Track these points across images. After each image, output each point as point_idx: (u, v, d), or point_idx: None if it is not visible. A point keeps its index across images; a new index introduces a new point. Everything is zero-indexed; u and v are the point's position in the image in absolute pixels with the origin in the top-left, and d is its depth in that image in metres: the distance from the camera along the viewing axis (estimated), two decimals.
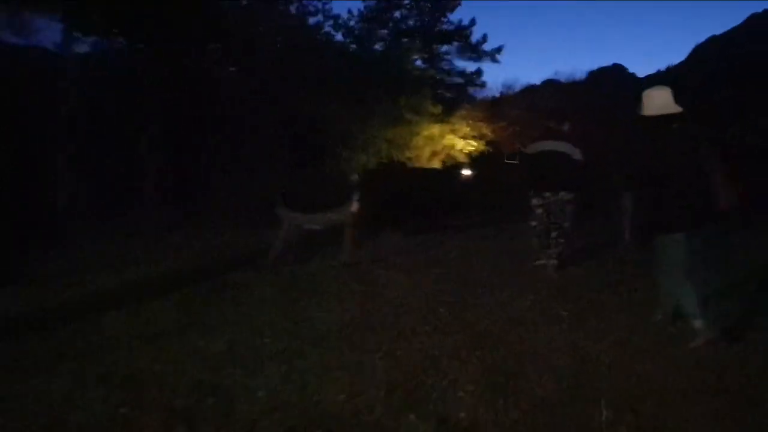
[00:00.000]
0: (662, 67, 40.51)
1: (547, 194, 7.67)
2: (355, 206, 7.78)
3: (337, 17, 24.65)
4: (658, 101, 4.60)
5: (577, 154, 7.49)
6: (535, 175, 7.71)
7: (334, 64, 19.66)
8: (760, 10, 48.09)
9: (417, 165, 24.38)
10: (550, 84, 30.89)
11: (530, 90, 29.53)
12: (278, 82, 16.13)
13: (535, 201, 7.76)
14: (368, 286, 6.69)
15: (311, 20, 22.80)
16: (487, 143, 25.23)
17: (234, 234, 10.56)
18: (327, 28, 23.64)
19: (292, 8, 22.44)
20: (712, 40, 46.05)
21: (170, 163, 13.04)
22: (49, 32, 13.02)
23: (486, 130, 24.98)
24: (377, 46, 25.48)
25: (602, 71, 39.47)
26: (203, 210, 12.34)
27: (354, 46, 25.28)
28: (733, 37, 43.79)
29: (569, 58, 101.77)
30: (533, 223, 7.89)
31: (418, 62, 25.81)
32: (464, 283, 6.85)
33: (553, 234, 7.58)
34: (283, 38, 21.03)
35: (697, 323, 4.45)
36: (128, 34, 14.42)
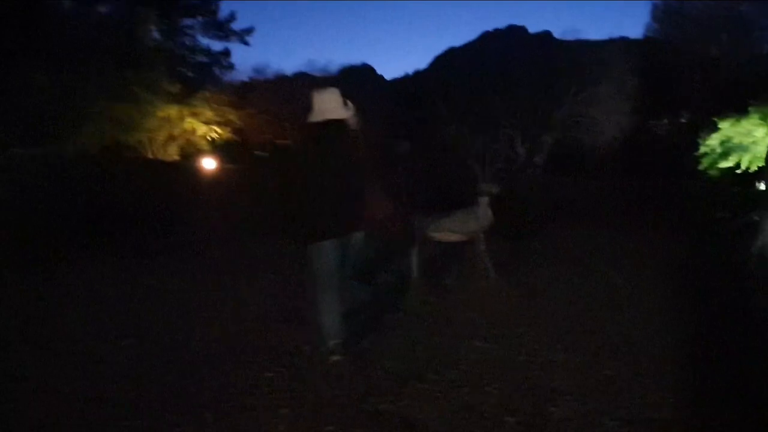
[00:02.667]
0: (409, 71, 40.38)
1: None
2: None
3: None
4: (325, 105, 4.10)
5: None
6: None
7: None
8: (491, 29, 50.62)
9: (148, 151, 20.07)
10: (304, 76, 28.70)
11: (283, 80, 26.88)
12: None
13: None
14: None
15: None
16: (234, 131, 21.71)
17: None
18: None
19: None
20: (451, 51, 47.33)
21: None
22: None
23: (233, 117, 21.43)
24: (104, 9, 20.47)
25: (353, 70, 38.11)
26: None
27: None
28: (468, 51, 45.39)
29: (320, 51, 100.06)
30: None
31: (156, 35, 21.38)
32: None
33: None
34: None
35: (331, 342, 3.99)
36: None
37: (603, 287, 6.12)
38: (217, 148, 21.29)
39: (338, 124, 4.07)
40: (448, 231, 5.97)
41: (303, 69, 29.43)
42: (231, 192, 14.95)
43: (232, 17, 22.95)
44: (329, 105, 4.07)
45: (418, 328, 4.79)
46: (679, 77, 21.53)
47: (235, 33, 23.13)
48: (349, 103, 4.14)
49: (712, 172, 15.97)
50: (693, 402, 3.40)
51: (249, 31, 23.44)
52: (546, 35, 46.51)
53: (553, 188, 15.03)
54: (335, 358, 3.93)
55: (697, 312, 5.27)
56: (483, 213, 5.89)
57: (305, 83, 25.28)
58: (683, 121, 21.02)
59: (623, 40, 25.41)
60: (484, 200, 5.91)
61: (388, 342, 4.38)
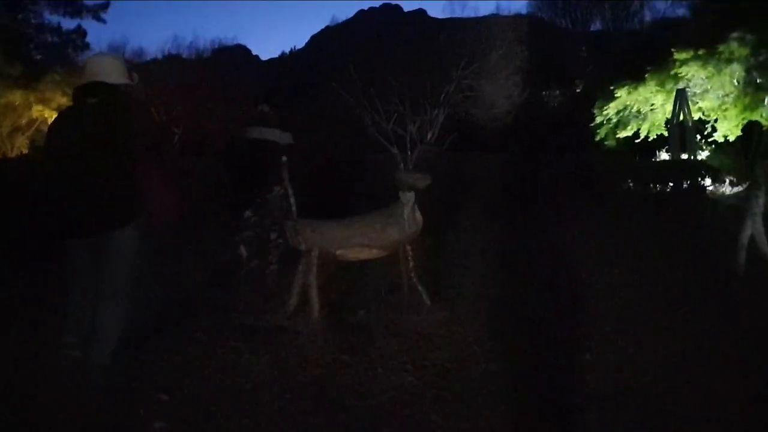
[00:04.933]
0: (286, 50, 38.01)
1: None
2: None
3: None
4: (99, 69, 3.16)
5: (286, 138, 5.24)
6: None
7: None
8: (366, 7, 49.28)
9: None
10: (174, 58, 26.07)
11: (153, 62, 23.97)
12: None
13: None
14: None
15: None
16: None
17: None
18: None
19: None
20: (327, 30, 45.39)
21: None
22: None
23: None
24: None
25: (226, 50, 35.08)
26: None
27: None
28: (345, 29, 43.57)
29: (186, 30, 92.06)
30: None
31: None
32: None
33: (273, 236, 4.94)
34: None
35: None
36: None
37: (582, 314, 4.27)
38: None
39: (109, 89, 3.12)
40: (359, 245, 3.92)
41: (169, 48, 26.66)
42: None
43: None
44: (104, 68, 3.18)
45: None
46: (566, 49, 20.71)
47: (88, 9, 19.67)
48: (135, 75, 3.35)
49: (609, 143, 14.99)
50: None
51: (104, 6, 20.03)
52: (420, 13, 45.59)
53: (453, 168, 13.37)
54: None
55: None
56: (409, 215, 3.89)
57: (175, 62, 22.56)
58: (578, 91, 20.12)
59: (497, 17, 24.63)
60: (408, 197, 3.90)
61: None
